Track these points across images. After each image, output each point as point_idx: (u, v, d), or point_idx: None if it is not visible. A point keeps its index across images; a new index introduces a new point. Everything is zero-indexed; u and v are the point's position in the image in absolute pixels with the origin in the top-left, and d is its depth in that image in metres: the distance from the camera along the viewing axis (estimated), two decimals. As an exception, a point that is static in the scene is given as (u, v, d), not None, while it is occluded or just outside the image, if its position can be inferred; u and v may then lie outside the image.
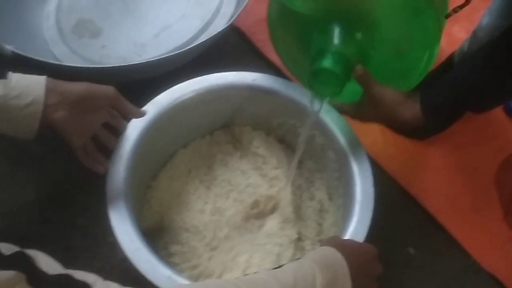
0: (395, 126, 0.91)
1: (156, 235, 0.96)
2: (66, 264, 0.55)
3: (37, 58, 1.00)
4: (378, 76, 0.87)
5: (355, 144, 0.91)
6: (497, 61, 0.79)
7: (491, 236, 1.03)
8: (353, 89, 0.89)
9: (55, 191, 1.05)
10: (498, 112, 1.20)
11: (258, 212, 0.98)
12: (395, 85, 0.88)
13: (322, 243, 0.73)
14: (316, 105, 0.90)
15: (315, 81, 0.87)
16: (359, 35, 0.87)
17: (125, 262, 0.77)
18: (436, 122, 0.86)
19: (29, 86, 0.75)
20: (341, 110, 0.93)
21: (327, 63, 0.84)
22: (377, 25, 0.87)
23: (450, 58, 1.18)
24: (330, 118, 0.94)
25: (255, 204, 0.98)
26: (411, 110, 0.85)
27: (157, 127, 0.93)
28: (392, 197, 1.06)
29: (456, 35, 1.10)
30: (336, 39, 0.87)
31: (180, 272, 0.88)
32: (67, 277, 0.52)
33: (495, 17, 1.06)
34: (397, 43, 0.90)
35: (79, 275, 0.53)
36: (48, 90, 0.76)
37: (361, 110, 0.90)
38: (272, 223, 0.96)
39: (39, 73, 0.79)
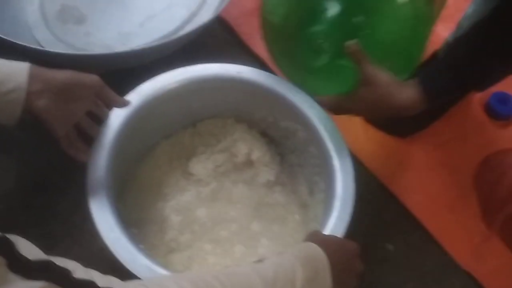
0: (384, 114, 0.89)
1: (140, 224, 0.95)
2: (45, 250, 0.54)
3: (20, 42, 0.98)
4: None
5: (337, 140, 0.91)
6: (492, 35, 0.80)
7: (469, 234, 1.04)
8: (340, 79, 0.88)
9: (36, 177, 1.04)
10: (478, 112, 1.21)
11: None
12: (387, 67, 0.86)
13: (304, 238, 0.73)
14: None
15: (317, 77, 0.85)
16: (357, 19, 0.86)
17: (104, 251, 0.77)
18: (437, 106, 0.85)
19: (11, 72, 0.74)
20: (322, 103, 0.92)
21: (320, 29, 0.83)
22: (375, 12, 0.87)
23: (434, 55, 1.19)
24: (313, 113, 0.94)
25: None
26: (410, 93, 0.83)
27: (140, 117, 0.93)
28: (372, 194, 1.07)
29: (440, 34, 1.11)
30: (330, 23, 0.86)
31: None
32: (48, 263, 0.51)
33: (480, 2, 1.06)
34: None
35: (60, 261, 0.53)
36: (32, 77, 0.75)
37: (347, 99, 0.88)
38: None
39: (21, 58, 0.78)
